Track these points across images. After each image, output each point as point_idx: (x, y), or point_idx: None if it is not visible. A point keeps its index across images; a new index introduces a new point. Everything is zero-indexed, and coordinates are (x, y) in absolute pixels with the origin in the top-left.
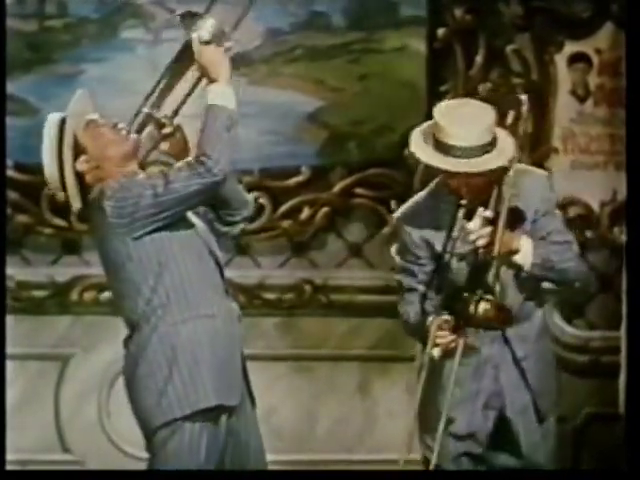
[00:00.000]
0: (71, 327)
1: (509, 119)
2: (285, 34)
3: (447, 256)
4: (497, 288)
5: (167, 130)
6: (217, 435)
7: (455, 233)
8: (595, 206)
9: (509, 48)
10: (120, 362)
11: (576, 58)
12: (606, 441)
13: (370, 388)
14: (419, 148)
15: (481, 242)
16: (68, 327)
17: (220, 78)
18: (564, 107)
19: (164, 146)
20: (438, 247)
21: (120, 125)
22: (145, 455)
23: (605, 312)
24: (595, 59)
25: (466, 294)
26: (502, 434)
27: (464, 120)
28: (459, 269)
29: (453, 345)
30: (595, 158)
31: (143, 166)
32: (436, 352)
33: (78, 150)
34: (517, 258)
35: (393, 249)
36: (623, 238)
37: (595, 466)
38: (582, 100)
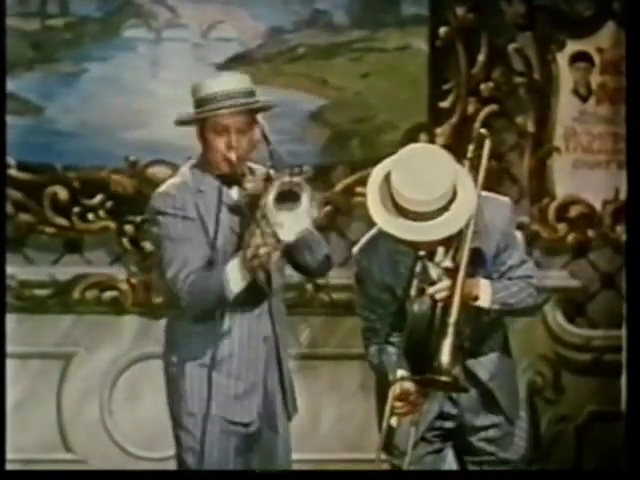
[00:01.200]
0: (73, 326)
1: (469, 154)
2: (287, 33)
3: (407, 303)
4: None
5: None
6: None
7: (414, 282)
8: (597, 205)
9: (511, 47)
10: (122, 361)
11: (578, 57)
12: (608, 439)
13: (372, 387)
14: (376, 209)
15: (440, 296)
16: (70, 326)
17: None
18: (566, 106)
19: None
20: (398, 292)
21: None
22: (147, 454)
23: (607, 310)
24: (597, 58)
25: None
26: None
27: (422, 182)
28: (419, 316)
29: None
30: (597, 157)
31: None
32: (394, 421)
33: None
34: (479, 303)
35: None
36: (625, 237)
37: (597, 464)
38: (584, 99)
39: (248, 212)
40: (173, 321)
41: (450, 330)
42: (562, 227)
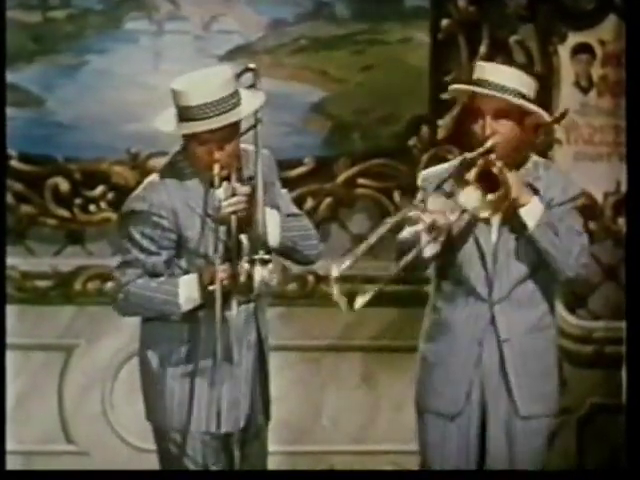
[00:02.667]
0: (75, 318)
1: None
2: (289, 25)
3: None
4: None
5: None
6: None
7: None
8: (599, 197)
9: (512, 39)
10: (123, 352)
11: (579, 49)
12: (610, 432)
13: (374, 379)
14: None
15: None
16: (72, 318)
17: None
18: (567, 98)
19: None
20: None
21: None
22: (148, 446)
23: (609, 302)
24: (598, 50)
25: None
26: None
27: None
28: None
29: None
30: (598, 149)
31: None
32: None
33: None
34: (522, 212)
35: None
36: (625, 229)
37: (599, 457)
38: (585, 91)
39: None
40: (149, 322)
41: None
42: None
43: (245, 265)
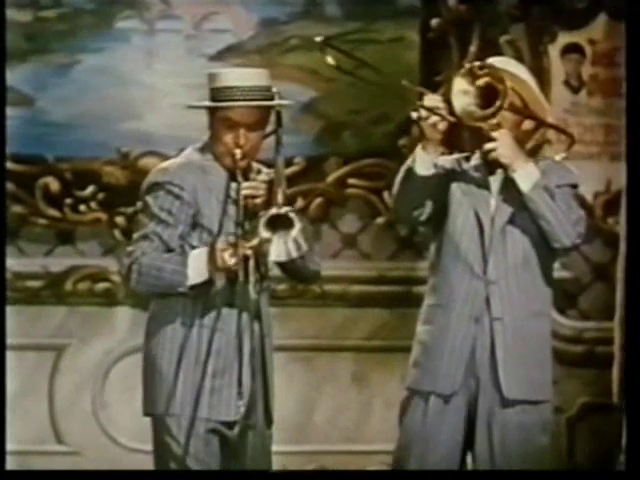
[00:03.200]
0: (66, 317)
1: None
2: (281, 24)
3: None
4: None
5: None
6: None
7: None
8: (589, 196)
9: (503, 38)
10: (115, 352)
11: (570, 49)
12: (600, 431)
13: (366, 379)
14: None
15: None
16: (63, 317)
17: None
18: (558, 97)
19: None
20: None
21: None
22: (139, 446)
23: (599, 302)
24: (589, 50)
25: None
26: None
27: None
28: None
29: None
30: (589, 148)
31: None
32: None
33: None
34: (516, 175)
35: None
36: (617, 228)
37: (589, 456)
38: (576, 91)
39: (242, 213)
40: (155, 313)
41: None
42: None
43: (263, 233)
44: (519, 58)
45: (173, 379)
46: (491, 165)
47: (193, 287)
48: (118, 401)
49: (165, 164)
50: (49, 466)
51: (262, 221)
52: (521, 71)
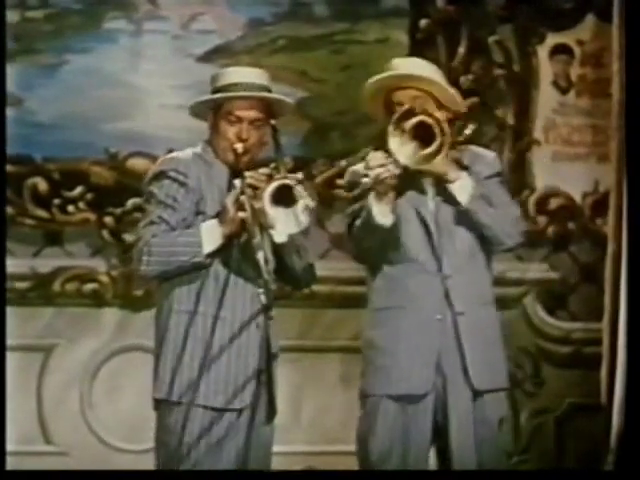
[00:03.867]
0: (54, 318)
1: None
2: (268, 25)
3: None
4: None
5: None
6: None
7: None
8: (577, 197)
9: (491, 39)
10: (102, 353)
11: (558, 49)
12: (588, 431)
13: (353, 379)
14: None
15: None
16: (51, 318)
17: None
18: (546, 98)
19: None
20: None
21: None
22: (127, 446)
23: (587, 303)
24: (577, 50)
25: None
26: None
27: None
28: None
29: None
30: (577, 149)
31: None
32: None
33: None
34: (453, 188)
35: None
36: (605, 229)
37: (577, 456)
38: (564, 91)
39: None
40: (162, 305)
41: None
42: (542, 219)
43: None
44: (508, 59)
45: (175, 365)
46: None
47: (209, 256)
48: (106, 401)
49: (170, 155)
50: (37, 466)
51: (267, 193)
52: (427, 71)
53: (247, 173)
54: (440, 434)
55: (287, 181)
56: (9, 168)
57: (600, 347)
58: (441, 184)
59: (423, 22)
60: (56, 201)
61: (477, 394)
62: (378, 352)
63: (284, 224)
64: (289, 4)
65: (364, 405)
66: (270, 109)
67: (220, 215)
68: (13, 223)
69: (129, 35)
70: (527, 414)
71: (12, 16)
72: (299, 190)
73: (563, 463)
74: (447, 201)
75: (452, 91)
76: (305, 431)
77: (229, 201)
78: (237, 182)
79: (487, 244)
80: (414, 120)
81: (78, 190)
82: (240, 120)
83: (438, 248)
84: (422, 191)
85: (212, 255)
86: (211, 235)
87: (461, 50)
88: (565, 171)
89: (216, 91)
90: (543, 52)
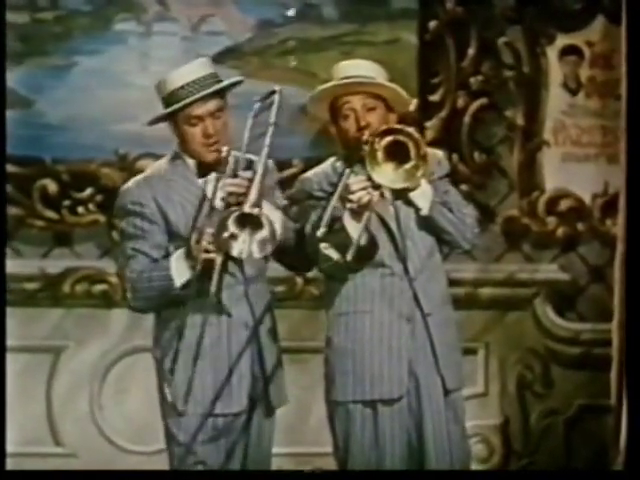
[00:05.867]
0: (63, 319)
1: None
2: (277, 26)
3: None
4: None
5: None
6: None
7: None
8: (586, 198)
9: (501, 40)
10: (112, 354)
11: (567, 51)
12: (598, 433)
13: None
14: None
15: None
16: (60, 319)
17: None
18: (555, 99)
19: None
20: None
21: None
22: (136, 448)
23: (596, 304)
24: (586, 52)
25: None
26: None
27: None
28: None
29: None
30: (586, 150)
31: None
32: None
33: None
34: (413, 196)
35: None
36: (615, 230)
37: (586, 458)
38: (573, 92)
39: (221, 208)
40: (156, 314)
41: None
42: (551, 221)
43: (231, 227)
44: (517, 60)
45: (171, 376)
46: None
47: (184, 287)
48: (115, 403)
49: (125, 185)
50: (46, 468)
51: (232, 216)
52: (375, 74)
53: (227, 181)
54: (416, 436)
55: (253, 211)
56: (19, 169)
57: (609, 348)
58: (401, 191)
59: (432, 23)
60: (65, 202)
61: (447, 393)
62: (348, 357)
63: (241, 246)
64: (299, 6)
65: (335, 412)
66: (225, 94)
67: (186, 252)
68: (22, 224)
69: (138, 37)
70: (536, 415)
71: (21, 18)
72: (264, 219)
73: (572, 464)
74: (406, 204)
75: (399, 90)
76: (313, 432)
77: (193, 238)
78: (210, 181)
79: (443, 245)
80: (386, 141)
81: (87, 191)
82: (201, 118)
83: (402, 251)
84: (381, 195)
85: (187, 285)
86: (180, 269)
87: (470, 51)
88: (574, 172)
89: (166, 99)
90: (552, 53)
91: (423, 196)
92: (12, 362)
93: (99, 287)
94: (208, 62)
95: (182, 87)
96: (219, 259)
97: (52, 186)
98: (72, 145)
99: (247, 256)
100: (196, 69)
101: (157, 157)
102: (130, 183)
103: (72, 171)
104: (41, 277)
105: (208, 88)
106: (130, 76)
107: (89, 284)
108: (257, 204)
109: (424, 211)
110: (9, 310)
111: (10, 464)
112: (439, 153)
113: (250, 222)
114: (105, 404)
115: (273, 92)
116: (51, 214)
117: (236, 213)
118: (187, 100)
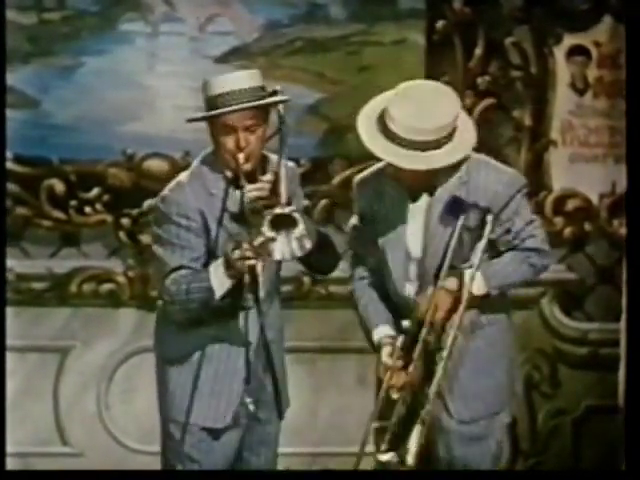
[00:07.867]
0: (70, 319)
1: None
2: (284, 26)
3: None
4: None
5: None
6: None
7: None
8: (594, 199)
9: (508, 40)
10: (119, 354)
11: (575, 51)
12: (605, 433)
13: (369, 380)
14: (370, 137)
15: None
16: (67, 319)
17: None
18: (563, 100)
19: None
20: None
21: None
22: (143, 447)
23: (604, 304)
24: (594, 52)
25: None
26: None
27: (423, 111)
28: None
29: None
30: (594, 150)
31: None
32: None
33: None
34: (476, 293)
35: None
36: (622, 230)
37: (594, 459)
38: (581, 93)
39: (249, 217)
40: (160, 320)
41: None
42: (559, 221)
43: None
44: (524, 60)
45: (172, 385)
46: None
47: (224, 297)
48: (122, 402)
49: (168, 189)
50: (54, 467)
51: (266, 221)
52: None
53: (248, 187)
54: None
55: (285, 210)
56: (26, 170)
57: (617, 348)
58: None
59: (440, 24)
60: (73, 202)
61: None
62: None
63: (283, 248)
64: (306, 6)
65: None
66: (267, 108)
67: (225, 263)
68: (30, 224)
69: (145, 37)
70: (544, 415)
71: (28, 18)
72: (297, 216)
73: (580, 464)
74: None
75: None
76: (321, 433)
77: (229, 247)
78: (237, 193)
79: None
80: (269, 218)
81: (95, 191)
82: (235, 129)
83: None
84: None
85: (225, 296)
86: (220, 279)
87: (478, 51)
88: (582, 172)
89: (209, 100)
90: (560, 53)
91: (476, 284)
92: (19, 362)
93: (106, 287)
94: (258, 75)
95: (225, 94)
96: (259, 265)
97: (59, 186)
98: (79, 145)
99: (290, 257)
100: (243, 79)
101: (164, 157)
102: (174, 188)
103: (79, 171)
104: (48, 277)
105: (250, 101)
106: (137, 76)
107: (96, 284)
108: (288, 203)
109: (491, 291)
110: (16, 310)
111: (17, 464)
112: (505, 173)
113: (284, 222)
114: (112, 404)
115: (275, 92)
116: (58, 214)
117: (269, 216)
118: (224, 110)
